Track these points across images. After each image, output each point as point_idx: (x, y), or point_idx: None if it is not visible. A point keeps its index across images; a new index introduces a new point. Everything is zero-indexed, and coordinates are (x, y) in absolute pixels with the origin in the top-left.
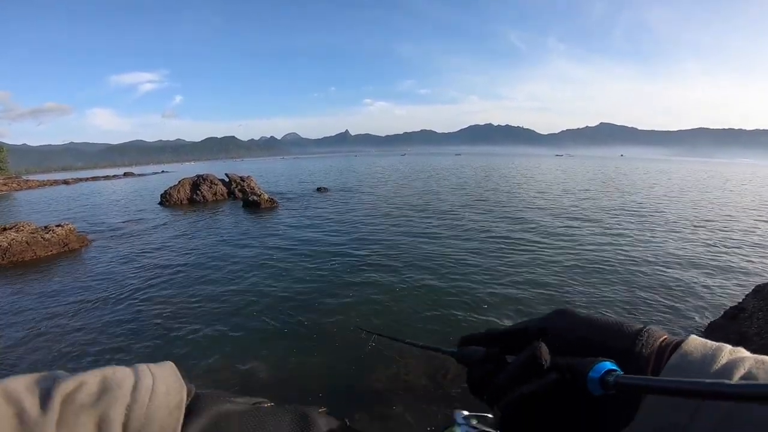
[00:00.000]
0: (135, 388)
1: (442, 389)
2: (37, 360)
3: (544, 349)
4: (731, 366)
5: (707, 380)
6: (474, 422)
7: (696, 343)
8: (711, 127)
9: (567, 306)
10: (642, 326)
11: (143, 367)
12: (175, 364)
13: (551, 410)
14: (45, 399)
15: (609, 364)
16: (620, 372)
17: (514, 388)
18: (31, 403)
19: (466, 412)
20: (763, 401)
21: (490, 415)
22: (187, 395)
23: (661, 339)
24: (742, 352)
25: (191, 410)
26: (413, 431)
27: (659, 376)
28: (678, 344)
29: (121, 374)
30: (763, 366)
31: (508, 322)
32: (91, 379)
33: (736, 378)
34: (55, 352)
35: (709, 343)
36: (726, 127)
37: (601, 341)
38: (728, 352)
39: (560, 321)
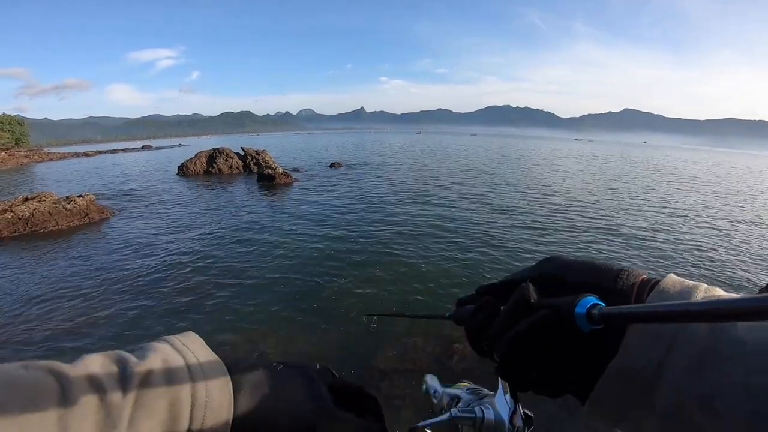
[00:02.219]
0: (189, 369)
1: (445, 363)
2: (62, 331)
3: (532, 288)
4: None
5: (681, 302)
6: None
7: (674, 280)
8: (741, 118)
9: (555, 253)
10: (623, 266)
11: (178, 344)
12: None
13: (544, 349)
14: (124, 382)
15: (593, 299)
16: (603, 305)
17: (508, 328)
18: (111, 386)
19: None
20: (731, 318)
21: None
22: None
23: (641, 277)
24: (717, 291)
25: (233, 379)
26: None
27: None
28: (657, 282)
29: (171, 353)
30: None
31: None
32: (155, 361)
33: None
34: (79, 323)
35: (686, 281)
36: (757, 119)
37: (585, 281)
38: (704, 289)
39: (548, 266)
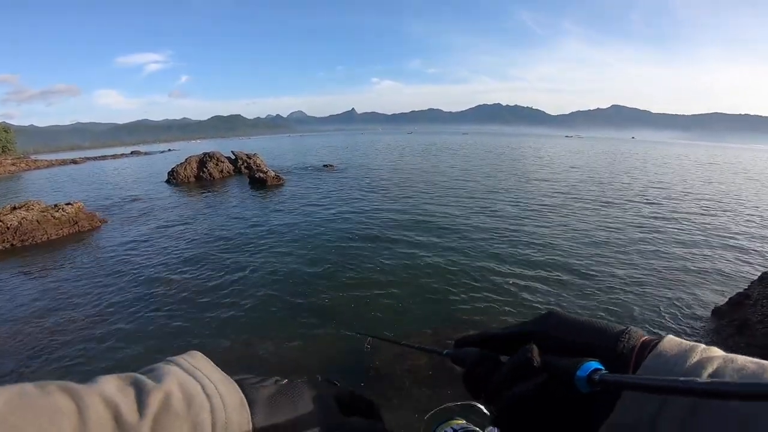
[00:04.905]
0: (206, 392)
1: (439, 386)
2: (61, 346)
3: (536, 350)
4: (702, 364)
5: (675, 377)
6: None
7: (672, 343)
8: (727, 112)
9: (555, 309)
10: (624, 327)
11: (187, 365)
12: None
13: (544, 406)
14: (140, 404)
15: (595, 364)
16: (605, 370)
17: (508, 387)
18: (127, 408)
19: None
20: (719, 397)
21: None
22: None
23: (642, 339)
24: (714, 351)
25: (248, 401)
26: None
27: (638, 374)
28: (656, 344)
29: (186, 377)
30: (731, 364)
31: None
32: (172, 386)
33: (705, 375)
34: (77, 338)
35: (684, 342)
36: (742, 113)
37: (587, 342)
38: (700, 351)
39: (550, 323)
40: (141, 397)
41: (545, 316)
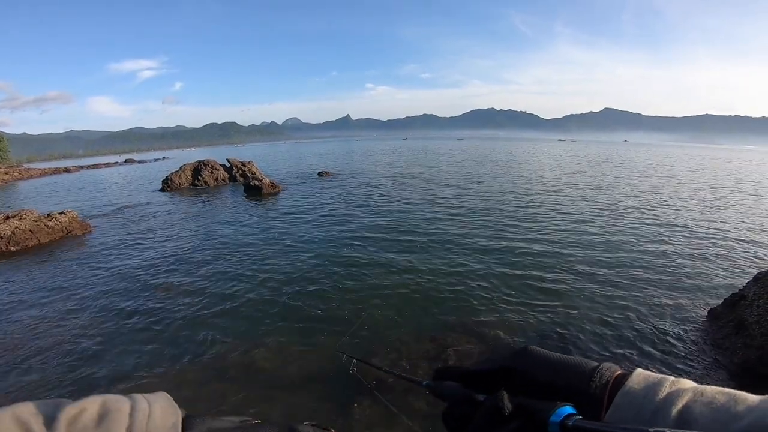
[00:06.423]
0: (132, 412)
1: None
2: (45, 351)
3: (506, 397)
4: (671, 399)
5: (645, 427)
6: None
7: (639, 377)
8: (717, 114)
9: (529, 346)
10: (596, 365)
11: (138, 395)
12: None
13: None
14: (50, 422)
15: (569, 409)
16: (578, 416)
17: None
18: (37, 425)
19: None
20: None
21: None
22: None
23: (615, 375)
24: (683, 384)
25: (185, 429)
26: None
27: (610, 412)
28: (626, 380)
29: (119, 400)
30: (701, 397)
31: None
32: (91, 404)
33: (674, 411)
34: (60, 345)
35: (652, 376)
36: (732, 114)
37: (560, 382)
38: (669, 384)
39: (524, 361)
40: (54, 414)
41: (520, 353)
